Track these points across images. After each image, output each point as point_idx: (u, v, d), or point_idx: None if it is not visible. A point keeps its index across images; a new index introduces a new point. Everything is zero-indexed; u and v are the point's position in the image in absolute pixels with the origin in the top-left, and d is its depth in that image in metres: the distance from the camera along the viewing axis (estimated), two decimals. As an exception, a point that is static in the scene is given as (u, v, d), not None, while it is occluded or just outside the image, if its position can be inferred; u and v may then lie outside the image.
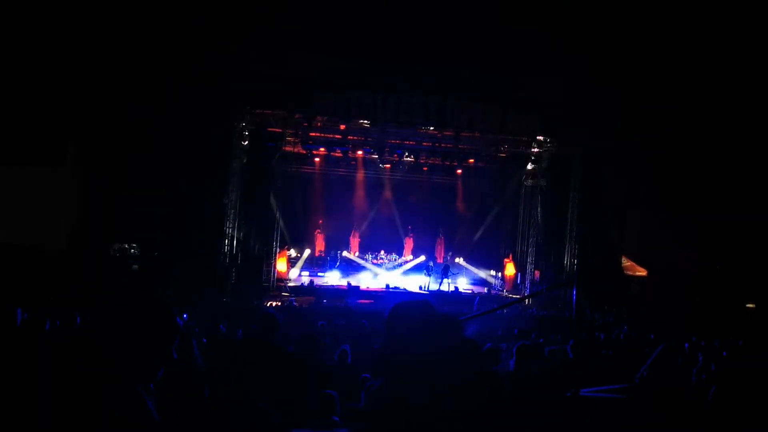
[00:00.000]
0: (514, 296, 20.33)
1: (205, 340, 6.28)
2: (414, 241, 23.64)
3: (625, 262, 20.57)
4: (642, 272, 20.66)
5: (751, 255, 19.44)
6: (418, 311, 2.11)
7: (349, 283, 20.17)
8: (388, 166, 22.61)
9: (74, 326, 5.90)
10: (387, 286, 20.55)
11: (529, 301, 18.49)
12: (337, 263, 22.11)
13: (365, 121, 19.12)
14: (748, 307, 18.88)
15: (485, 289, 21.71)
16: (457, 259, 23.45)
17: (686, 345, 9.50)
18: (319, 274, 21.40)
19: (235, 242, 18.65)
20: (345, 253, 22.65)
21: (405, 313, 2.12)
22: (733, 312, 17.79)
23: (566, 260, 20.28)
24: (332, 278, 21.35)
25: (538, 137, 20.16)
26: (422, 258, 22.79)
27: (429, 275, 21.54)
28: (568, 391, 2.80)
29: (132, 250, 18.57)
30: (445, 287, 20.81)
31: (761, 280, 19.30)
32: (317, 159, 22.08)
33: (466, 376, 2.11)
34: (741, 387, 3.18)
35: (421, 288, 21.02)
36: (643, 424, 2.91)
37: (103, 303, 2.10)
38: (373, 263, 22.68)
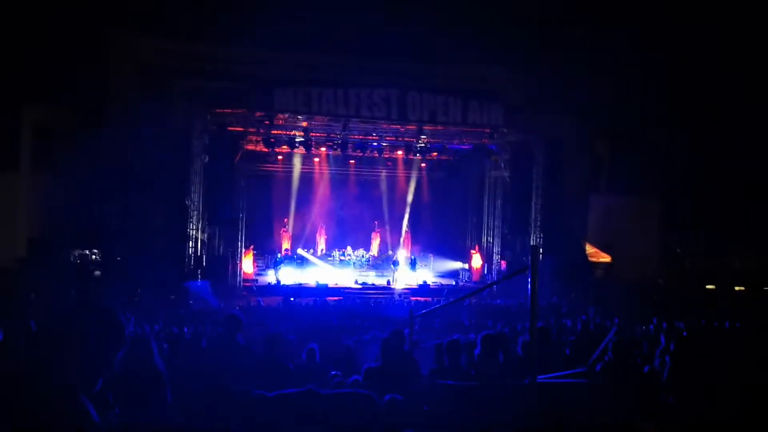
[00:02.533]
0: (479, 287, 20.45)
1: (166, 345, 6.17)
2: (381, 236, 23.62)
3: (589, 249, 20.85)
4: (606, 258, 20.98)
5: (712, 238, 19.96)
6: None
7: (317, 282, 20.05)
8: (352, 161, 22.53)
9: (30, 334, 5.74)
10: (356, 282, 20.47)
11: (494, 291, 18.61)
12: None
13: (327, 117, 18.96)
14: (709, 289, 19.34)
15: (453, 281, 21.81)
16: (424, 253, 23.50)
17: (651, 327, 9.68)
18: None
19: (199, 244, 18.34)
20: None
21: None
22: (695, 293, 18.20)
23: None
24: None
25: (499, 128, 20.27)
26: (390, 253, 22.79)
27: (396, 270, 21.54)
28: (525, 379, 2.80)
29: (93, 256, 18.17)
30: (413, 281, 20.86)
31: (721, 263, 19.82)
32: (280, 157, 21.85)
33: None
34: (694, 367, 3.23)
35: (389, 283, 21.03)
36: (600, 408, 2.93)
37: (51, 311, 2.05)
38: (340, 260, 22.56)
